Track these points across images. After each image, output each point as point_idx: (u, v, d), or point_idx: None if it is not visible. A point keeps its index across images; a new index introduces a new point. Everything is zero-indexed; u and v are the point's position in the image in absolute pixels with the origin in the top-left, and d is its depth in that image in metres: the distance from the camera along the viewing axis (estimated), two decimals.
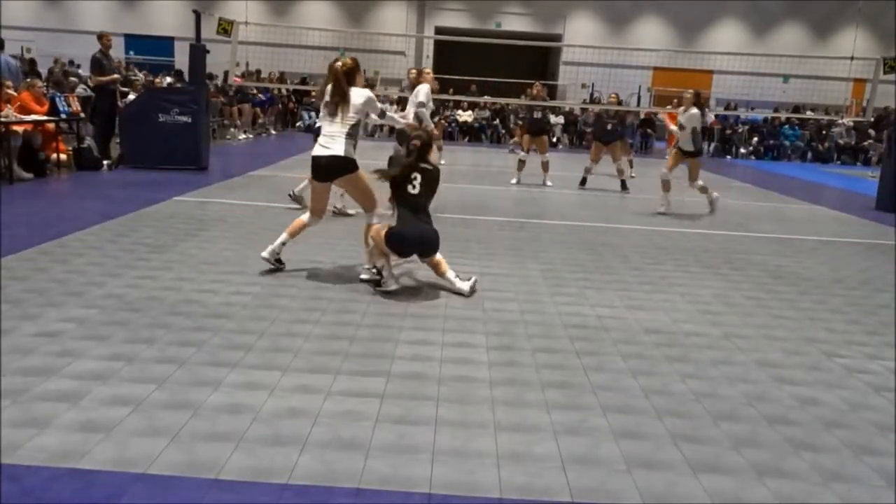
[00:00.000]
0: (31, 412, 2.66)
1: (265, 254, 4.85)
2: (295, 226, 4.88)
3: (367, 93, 4.72)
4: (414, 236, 4.52)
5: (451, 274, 4.65)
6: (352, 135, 4.65)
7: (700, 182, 8.53)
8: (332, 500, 2.23)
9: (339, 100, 4.63)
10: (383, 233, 4.51)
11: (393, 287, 4.54)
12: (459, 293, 4.57)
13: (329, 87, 4.65)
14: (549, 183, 10.70)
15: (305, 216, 4.91)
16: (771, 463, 2.62)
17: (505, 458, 2.54)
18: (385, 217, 4.77)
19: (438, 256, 4.68)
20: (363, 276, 4.78)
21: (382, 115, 5.18)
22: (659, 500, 2.34)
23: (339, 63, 4.63)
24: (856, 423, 3.02)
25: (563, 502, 2.30)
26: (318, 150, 4.68)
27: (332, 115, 4.66)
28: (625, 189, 10.75)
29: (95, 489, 2.20)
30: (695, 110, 8.31)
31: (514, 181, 10.92)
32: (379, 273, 4.61)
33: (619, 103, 11.54)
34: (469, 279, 4.67)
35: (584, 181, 10.97)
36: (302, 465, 2.41)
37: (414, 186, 4.57)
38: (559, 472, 2.47)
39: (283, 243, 4.88)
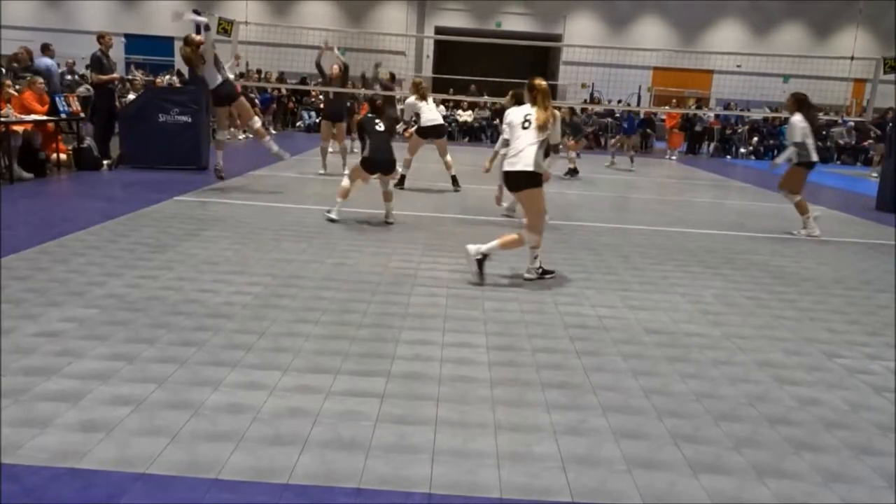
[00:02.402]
0: (31, 412, 2.66)
1: (527, 274, 5.09)
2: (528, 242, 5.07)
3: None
4: (380, 161, 6.64)
5: (391, 205, 6.84)
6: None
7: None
8: (332, 500, 2.23)
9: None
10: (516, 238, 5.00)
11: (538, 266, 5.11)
12: (387, 220, 6.76)
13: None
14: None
15: (522, 233, 5.03)
16: (771, 463, 2.62)
17: (505, 458, 2.54)
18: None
19: (391, 188, 6.90)
20: (527, 276, 5.08)
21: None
22: (659, 500, 2.34)
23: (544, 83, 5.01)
24: (856, 423, 3.02)
25: (563, 502, 2.30)
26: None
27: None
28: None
29: (95, 489, 2.20)
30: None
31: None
32: (544, 272, 5.11)
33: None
34: (393, 217, 6.74)
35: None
36: (302, 465, 2.41)
37: (379, 126, 6.70)
38: (559, 472, 2.47)
39: (535, 257, 5.09)
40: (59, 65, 16.59)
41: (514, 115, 5.00)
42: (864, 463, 2.66)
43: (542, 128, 4.85)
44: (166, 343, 3.44)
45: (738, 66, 20.36)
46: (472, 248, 4.88)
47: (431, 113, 9.39)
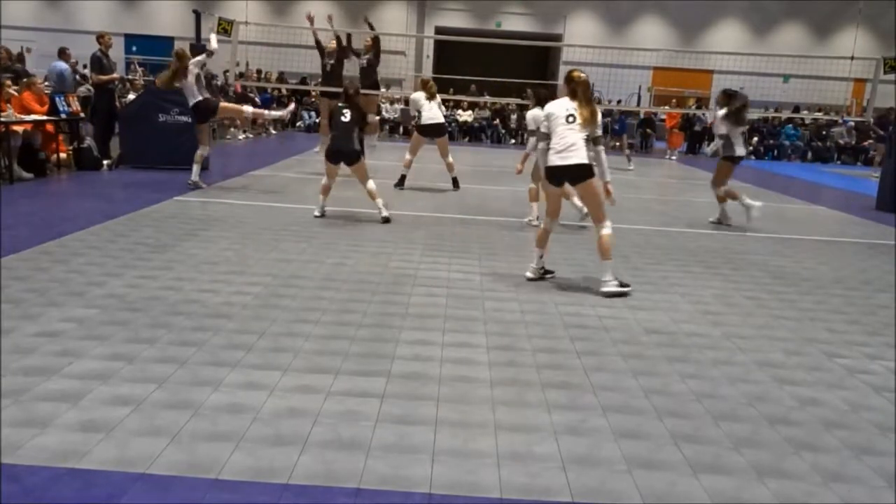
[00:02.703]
0: (31, 412, 2.66)
1: (530, 273, 5.06)
2: (540, 237, 5.04)
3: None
4: (337, 150, 6.76)
5: (379, 201, 6.85)
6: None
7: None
8: (332, 500, 2.23)
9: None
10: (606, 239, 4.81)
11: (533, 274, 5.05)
12: (381, 217, 6.79)
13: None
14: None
15: (544, 222, 5.03)
16: (771, 463, 2.62)
17: (505, 458, 2.54)
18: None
19: (371, 186, 6.85)
20: (529, 275, 5.07)
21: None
22: (659, 500, 2.34)
23: (583, 74, 4.87)
24: (856, 423, 3.02)
25: (563, 502, 2.30)
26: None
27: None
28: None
29: (95, 489, 2.20)
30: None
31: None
32: (545, 271, 5.12)
33: None
34: (387, 212, 6.82)
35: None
36: (302, 465, 2.41)
37: (345, 116, 6.74)
38: (559, 472, 2.47)
39: (541, 257, 5.07)
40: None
41: (555, 108, 4.85)
42: (864, 463, 2.66)
43: (588, 123, 4.76)
44: (166, 343, 3.44)
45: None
46: (608, 289, 4.73)
47: (432, 111, 9.36)
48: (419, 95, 9.45)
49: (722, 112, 7.57)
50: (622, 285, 4.78)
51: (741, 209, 7.78)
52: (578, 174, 4.76)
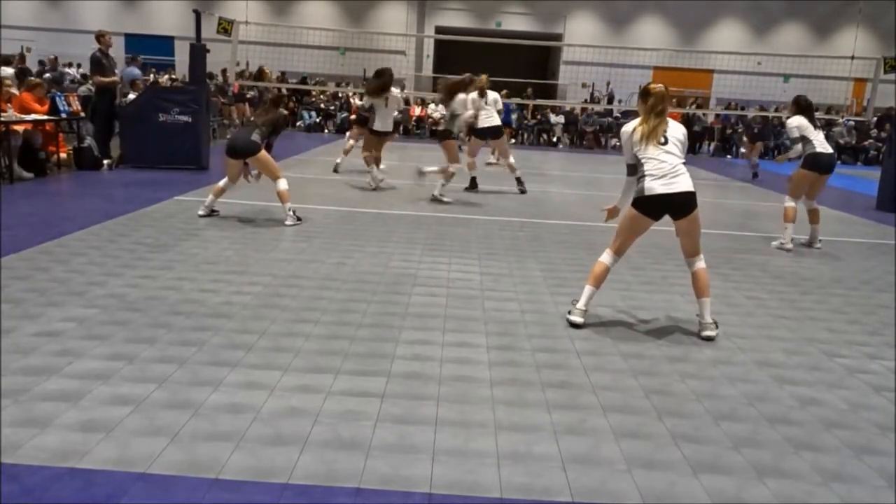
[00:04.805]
0: (31, 412, 2.66)
1: (576, 317, 4.10)
2: (600, 274, 4.21)
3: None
4: (231, 144, 6.60)
5: (287, 205, 6.56)
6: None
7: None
8: (332, 499, 2.23)
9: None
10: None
11: None
12: (286, 223, 6.45)
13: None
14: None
15: (610, 259, 4.26)
16: (771, 463, 2.62)
17: (505, 458, 2.54)
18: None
19: (282, 188, 6.57)
20: (708, 333, 4.06)
21: None
22: (659, 500, 2.34)
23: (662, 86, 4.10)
24: (856, 423, 3.02)
25: (563, 502, 2.30)
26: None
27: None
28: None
29: (95, 489, 2.20)
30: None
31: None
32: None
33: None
34: (297, 220, 6.54)
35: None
36: (302, 465, 2.41)
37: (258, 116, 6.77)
38: (559, 472, 2.47)
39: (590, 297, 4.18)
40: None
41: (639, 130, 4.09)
42: (864, 463, 2.66)
43: (683, 143, 4.11)
44: (166, 343, 3.44)
45: (759, 63, 20.51)
46: (712, 333, 4.00)
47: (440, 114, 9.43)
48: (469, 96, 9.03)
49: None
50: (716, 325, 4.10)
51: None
52: (688, 203, 3.98)
